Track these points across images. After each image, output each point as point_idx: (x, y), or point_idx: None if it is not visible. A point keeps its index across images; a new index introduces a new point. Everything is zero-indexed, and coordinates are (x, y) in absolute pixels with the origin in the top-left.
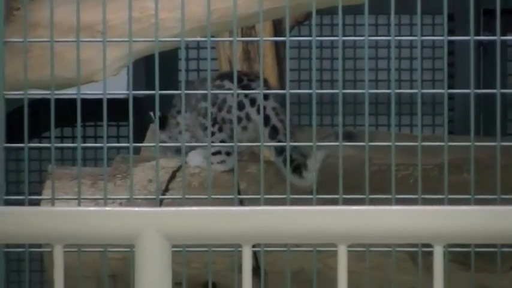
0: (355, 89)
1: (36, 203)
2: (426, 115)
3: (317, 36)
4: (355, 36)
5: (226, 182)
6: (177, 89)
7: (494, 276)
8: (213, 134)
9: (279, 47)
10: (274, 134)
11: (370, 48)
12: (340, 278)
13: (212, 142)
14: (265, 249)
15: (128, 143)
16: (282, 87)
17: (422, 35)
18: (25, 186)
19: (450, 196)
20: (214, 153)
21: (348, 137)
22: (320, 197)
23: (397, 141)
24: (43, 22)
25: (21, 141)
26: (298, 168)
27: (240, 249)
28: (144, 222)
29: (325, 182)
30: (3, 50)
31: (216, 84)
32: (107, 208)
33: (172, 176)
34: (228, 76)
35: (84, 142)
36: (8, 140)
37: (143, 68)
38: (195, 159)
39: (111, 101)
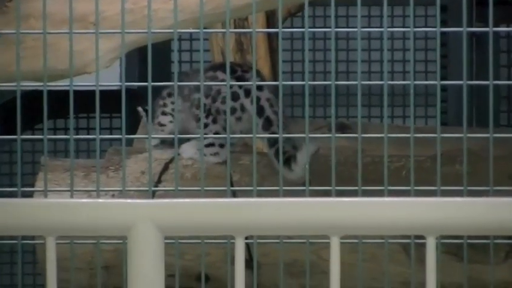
0: (348, 80)
1: (29, 194)
2: (419, 106)
3: (310, 27)
4: (348, 27)
5: (219, 174)
6: (170, 81)
7: (487, 268)
8: (206, 125)
9: (271, 39)
10: (267, 125)
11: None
12: (333, 270)
13: (206, 134)
14: (258, 241)
15: (121, 134)
16: (275, 79)
17: (415, 26)
18: (18, 178)
19: (443, 188)
20: (207, 145)
21: (341, 128)
22: (313, 188)
23: (390, 133)
24: (35, 13)
25: (14, 133)
26: (288, 161)
27: (232, 241)
28: (137, 214)
29: (318, 173)
30: None
31: (208, 75)
32: (100, 200)
33: (165, 168)
34: (221, 67)
35: (77, 134)
36: (1, 132)
37: (136, 60)
38: (188, 150)
39: (104, 93)
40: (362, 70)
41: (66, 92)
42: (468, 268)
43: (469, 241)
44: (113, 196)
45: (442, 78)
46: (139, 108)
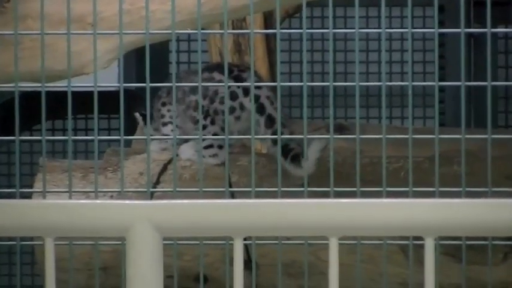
0: (346, 81)
1: (28, 195)
2: (417, 107)
3: (308, 28)
4: (345, 28)
5: (217, 175)
6: (167, 82)
7: (485, 269)
8: (205, 127)
9: (269, 40)
10: (270, 123)
11: (361, 40)
12: (332, 271)
13: (204, 135)
14: (257, 242)
15: (119, 135)
16: (273, 80)
17: (413, 27)
18: (16, 179)
19: (441, 189)
20: (206, 147)
21: (339, 129)
22: (311, 189)
23: (388, 134)
24: (32, 13)
25: (12, 134)
26: (296, 158)
27: (231, 241)
28: (135, 215)
29: (317, 174)
30: None
31: (204, 76)
32: (98, 201)
33: (164, 169)
34: (217, 68)
35: (75, 135)
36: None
37: (134, 61)
38: (186, 152)
39: (102, 94)
40: (360, 71)
41: (64, 93)
42: (466, 269)
43: (467, 242)
44: (111, 197)
45: (440, 79)
46: (137, 114)
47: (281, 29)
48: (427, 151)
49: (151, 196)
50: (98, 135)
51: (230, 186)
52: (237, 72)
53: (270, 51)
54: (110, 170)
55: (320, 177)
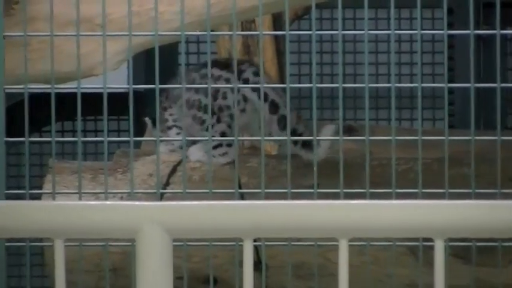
0: (355, 83)
1: (37, 197)
2: (426, 109)
3: (317, 30)
4: (355, 30)
5: (226, 176)
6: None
7: (494, 271)
8: (212, 126)
9: (278, 41)
10: (274, 109)
11: (370, 42)
12: (341, 272)
13: (212, 135)
14: (266, 243)
15: (129, 137)
16: (282, 81)
17: (422, 29)
18: (26, 181)
19: (450, 190)
20: (215, 146)
21: (349, 131)
22: (321, 191)
23: (397, 135)
24: (41, 15)
25: (22, 135)
26: (308, 143)
27: (241, 243)
28: (145, 217)
29: (326, 176)
30: (3, 43)
31: (202, 73)
32: (108, 202)
33: (173, 170)
34: (215, 64)
35: (85, 136)
36: (9, 134)
37: (143, 62)
38: (195, 153)
39: (111, 95)
40: (369, 73)
41: (74, 95)
42: (476, 271)
43: (476, 244)
44: (121, 198)
45: (449, 81)
46: (147, 119)
47: (290, 30)
48: (437, 153)
49: (161, 197)
50: (108, 136)
51: (240, 188)
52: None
53: (279, 53)
54: (119, 172)
55: (329, 178)
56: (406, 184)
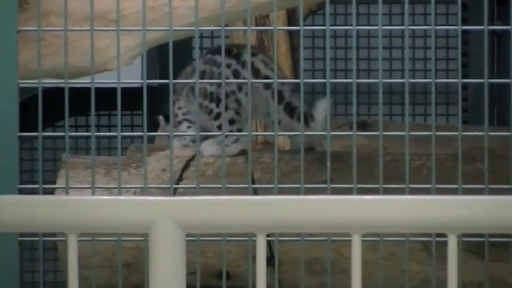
0: (369, 78)
1: (50, 192)
2: (440, 105)
3: (331, 25)
4: (369, 25)
5: (240, 171)
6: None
7: (508, 266)
8: (219, 115)
9: (293, 36)
10: (266, 83)
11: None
12: (354, 268)
13: (220, 124)
14: (280, 238)
15: (142, 132)
16: (296, 77)
17: (436, 25)
18: (39, 175)
19: (464, 186)
20: (225, 136)
21: (362, 126)
22: (334, 186)
23: (411, 131)
24: (55, 10)
25: (36, 130)
26: (304, 118)
27: (254, 238)
28: (158, 212)
29: (339, 171)
30: (17, 38)
31: (206, 59)
32: (121, 197)
33: (186, 165)
34: (218, 51)
35: (98, 131)
36: (22, 129)
37: (157, 57)
38: (208, 149)
39: (125, 90)
40: (383, 68)
41: (88, 89)
42: (489, 266)
43: (490, 239)
44: (135, 193)
45: (463, 77)
46: (160, 117)
47: (304, 25)
48: (450, 148)
49: (174, 192)
50: (121, 131)
51: (253, 183)
52: (236, 51)
53: (293, 48)
54: (133, 167)
55: (343, 174)
56: (419, 180)
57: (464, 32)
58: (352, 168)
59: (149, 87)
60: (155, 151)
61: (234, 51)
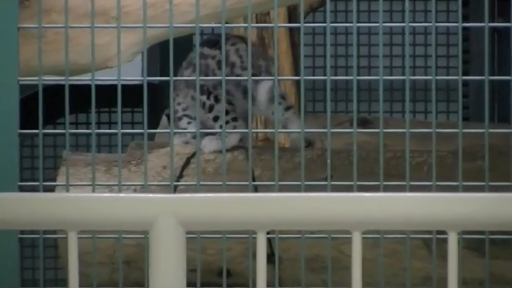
0: (369, 75)
1: (51, 189)
2: (441, 102)
3: (331, 22)
4: (369, 22)
5: (240, 168)
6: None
7: (509, 264)
8: (212, 107)
9: (293, 33)
10: (231, 68)
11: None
12: (355, 265)
13: (214, 116)
14: (280, 236)
15: (143, 129)
16: (297, 74)
17: (436, 21)
18: (40, 173)
19: (464, 183)
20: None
21: (363, 123)
22: (335, 183)
23: (411, 128)
24: (56, 7)
25: (36, 127)
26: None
27: (254, 235)
28: (159, 209)
29: (340, 168)
30: (18, 35)
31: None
32: (122, 194)
33: (187, 163)
34: (206, 43)
35: (99, 128)
36: (23, 126)
37: (158, 54)
38: (208, 145)
39: (125, 87)
40: (384, 65)
41: (88, 87)
42: (490, 264)
43: (490, 236)
44: (135, 191)
45: (464, 74)
46: (164, 117)
47: (305, 23)
48: (451, 145)
49: (175, 190)
50: (122, 128)
51: (253, 180)
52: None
53: (294, 45)
54: (133, 164)
55: (343, 171)
56: (420, 177)
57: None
58: (352, 165)
59: (150, 84)
60: (156, 148)
61: (220, 43)
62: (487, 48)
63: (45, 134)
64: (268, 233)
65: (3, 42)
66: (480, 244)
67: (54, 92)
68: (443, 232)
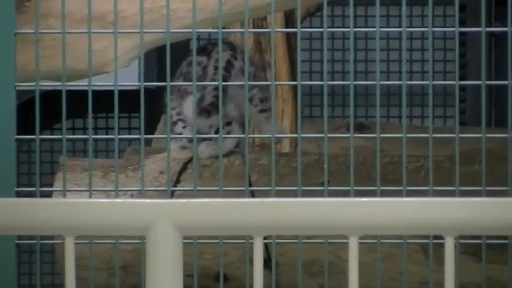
0: (366, 80)
1: (48, 194)
2: (437, 106)
3: (328, 27)
4: (366, 27)
5: (237, 174)
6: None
7: (505, 268)
8: (209, 113)
9: (290, 38)
10: (204, 77)
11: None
12: (351, 270)
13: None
14: (277, 240)
15: (139, 134)
16: (294, 79)
17: (433, 26)
18: (36, 178)
19: (461, 188)
20: (216, 131)
21: (360, 128)
22: (331, 188)
23: (408, 133)
24: (53, 12)
25: (33, 133)
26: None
27: (251, 240)
28: (156, 214)
29: (337, 173)
30: (15, 41)
31: (189, 60)
32: (118, 200)
33: (184, 168)
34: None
35: (96, 134)
36: (20, 132)
37: (155, 60)
38: (205, 151)
39: (122, 93)
40: (380, 70)
41: (85, 92)
42: (487, 268)
43: (487, 241)
44: (132, 196)
45: (461, 78)
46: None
47: (302, 27)
48: (448, 150)
49: (172, 195)
50: (118, 134)
51: (250, 185)
52: (211, 47)
53: (291, 50)
54: (130, 169)
55: (340, 176)
56: (417, 181)
57: (462, 33)
58: (349, 170)
59: (147, 89)
60: (152, 153)
61: (208, 49)
62: (484, 52)
63: (42, 140)
64: (265, 237)
65: (0, 48)
66: (477, 248)
67: (51, 97)
68: (440, 237)
